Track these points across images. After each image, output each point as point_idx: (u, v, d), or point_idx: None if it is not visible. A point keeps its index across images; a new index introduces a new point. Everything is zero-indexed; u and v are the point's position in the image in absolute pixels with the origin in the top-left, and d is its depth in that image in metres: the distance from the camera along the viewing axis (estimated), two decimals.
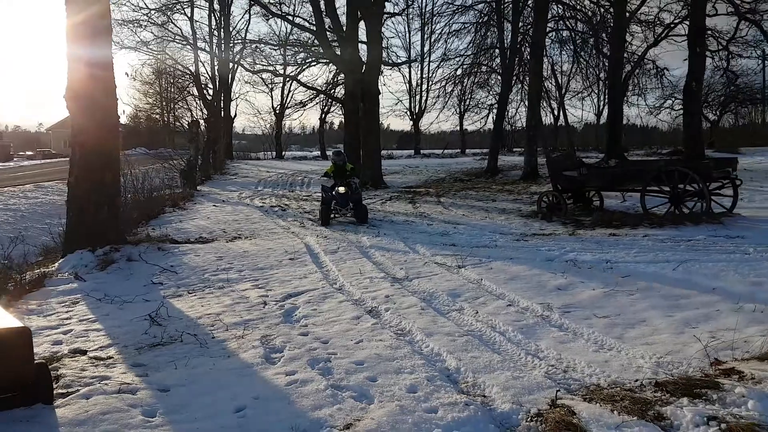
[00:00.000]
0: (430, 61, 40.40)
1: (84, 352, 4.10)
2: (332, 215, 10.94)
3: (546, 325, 4.45)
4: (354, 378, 3.49)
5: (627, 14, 21.09)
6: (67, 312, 5.29)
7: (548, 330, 4.34)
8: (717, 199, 9.44)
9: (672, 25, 23.08)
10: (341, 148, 16.27)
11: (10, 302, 5.46)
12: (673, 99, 30.47)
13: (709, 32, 21.35)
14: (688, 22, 19.12)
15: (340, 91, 32.41)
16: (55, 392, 3.19)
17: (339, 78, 31.50)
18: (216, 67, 31.09)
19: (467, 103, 36.51)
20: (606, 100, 26.89)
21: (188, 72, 33.34)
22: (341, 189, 10.88)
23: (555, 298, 5.14)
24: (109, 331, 4.64)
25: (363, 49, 19.66)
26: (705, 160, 11.84)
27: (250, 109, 66.74)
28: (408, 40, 57.27)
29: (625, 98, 25.72)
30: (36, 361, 3.08)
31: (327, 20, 20.62)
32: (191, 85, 35.44)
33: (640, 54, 24.80)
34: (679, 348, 3.83)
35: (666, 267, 6.08)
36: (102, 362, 3.89)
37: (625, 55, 22.55)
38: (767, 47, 22.11)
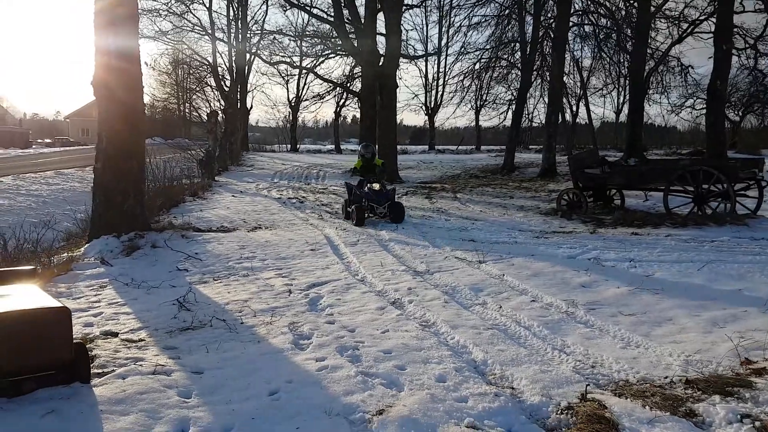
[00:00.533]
0: (447, 55, 40.30)
1: (116, 335, 4.18)
2: (366, 215, 9.88)
3: (571, 321, 4.45)
4: (383, 366, 3.53)
5: (652, 9, 20.82)
6: (95, 295, 5.38)
7: (574, 326, 4.34)
8: (741, 201, 9.34)
9: (698, 22, 22.71)
10: (366, 142, 15.23)
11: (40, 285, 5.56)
12: (696, 98, 30.08)
13: (737, 29, 21.01)
14: (714, 19, 18.83)
15: (356, 85, 32.47)
16: (91, 372, 3.26)
17: (356, 71, 31.56)
18: (233, 58, 31.23)
19: (484, 98, 36.32)
20: (627, 97, 26.64)
21: (206, 62, 33.52)
22: (375, 186, 10.05)
23: (579, 295, 5.13)
24: (138, 315, 4.72)
25: (381, 41, 19.67)
26: (731, 160, 11.69)
27: (266, 100, 67.11)
28: (425, 33, 57.21)
29: (647, 96, 25.44)
30: (74, 341, 3.15)
31: (345, 11, 20.63)
32: (208, 75, 35.65)
33: (663, 50, 24.49)
34: (708, 347, 3.81)
35: (690, 267, 6.04)
36: (134, 344, 3.96)
37: (649, 51, 22.28)
38: None
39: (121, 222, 7.60)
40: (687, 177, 9.37)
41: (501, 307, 4.87)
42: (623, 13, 23.28)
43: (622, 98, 35.54)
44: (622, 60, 26.85)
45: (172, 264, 6.69)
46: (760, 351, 3.67)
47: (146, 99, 44.29)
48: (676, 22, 23.42)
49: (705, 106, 20.32)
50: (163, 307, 4.93)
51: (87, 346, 3.77)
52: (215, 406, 2.96)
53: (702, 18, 22.45)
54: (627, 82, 27.23)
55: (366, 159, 10.69)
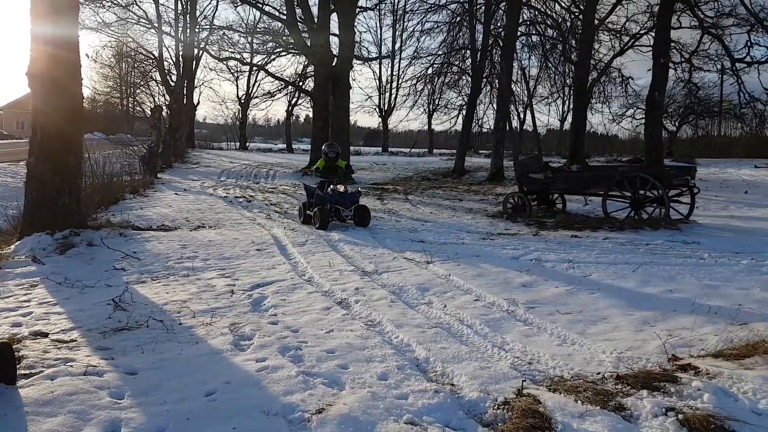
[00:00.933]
0: (401, 59, 40.66)
1: (46, 335, 3.98)
2: (330, 218, 9.34)
3: (512, 320, 4.56)
4: (325, 365, 3.51)
5: (596, 22, 21.65)
6: (25, 294, 5.11)
7: (514, 324, 4.45)
8: (675, 206, 9.83)
9: (638, 36, 23.79)
10: (331, 141, 13.39)
11: None
12: (636, 108, 31.44)
13: (674, 44, 22.11)
14: (653, 34, 19.75)
15: (309, 84, 32.22)
16: (17, 373, 3.09)
17: (308, 70, 31.30)
18: (180, 53, 30.35)
19: (437, 102, 36.80)
20: (571, 106, 27.58)
21: (151, 56, 32.44)
22: (340, 187, 9.53)
23: (520, 294, 5.27)
24: (71, 315, 4.51)
25: (334, 41, 19.61)
26: (666, 168, 12.30)
27: (214, 96, 65.59)
28: (379, 36, 57.47)
29: (590, 105, 26.42)
30: None
31: (298, 10, 20.44)
32: (154, 69, 34.50)
33: (606, 62, 25.50)
34: (638, 344, 3.98)
35: (626, 268, 6.30)
36: (65, 345, 3.79)
37: (592, 62, 23.15)
38: (727, 62, 22.94)
39: (56, 219, 7.26)
40: (625, 183, 9.80)
41: (446, 306, 4.93)
42: (569, 24, 24.16)
43: (566, 107, 36.76)
44: (566, 70, 27.82)
45: (108, 263, 6.43)
46: (686, 348, 3.87)
47: (87, 92, 42.10)
48: (618, 35, 24.47)
49: (644, 116, 21.25)
50: (97, 307, 4.73)
51: (14, 346, 3.58)
52: (149, 407, 2.87)
53: (642, 32, 23.54)
54: (571, 91, 28.20)
55: (329, 159, 10.11)
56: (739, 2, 20.04)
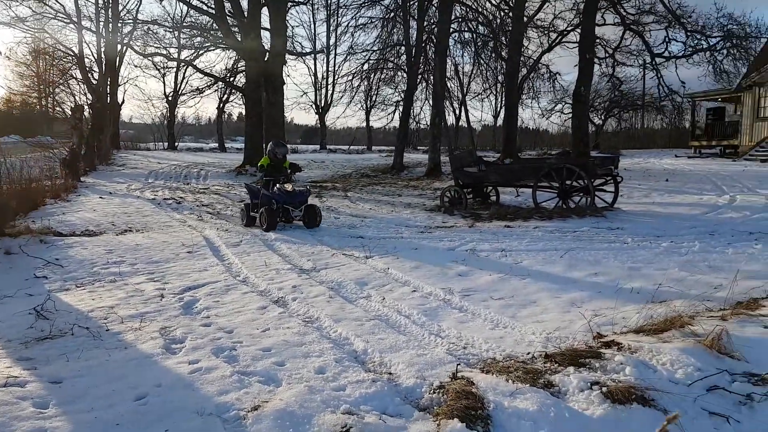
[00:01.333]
0: (336, 54, 40.36)
1: None
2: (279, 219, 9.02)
3: (447, 308, 4.67)
4: (261, 364, 3.46)
5: (524, 19, 22.36)
6: None
7: (449, 312, 4.56)
8: (600, 195, 10.33)
9: (565, 32, 24.79)
10: (278, 140, 11.63)
11: None
12: (564, 103, 32.77)
13: (598, 40, 23.20)
14: (579, 30, 20.64)
15: (240, 80, 31.49)
16: None
17: (239, 65, 30.57)
18: (102, 49, 28.94)
19: (374, 99, 36.86)
20: (503, 102, 28.37)
21: (71, 53, 30.77)
22: (288, 186, 9.11)
23: (456, 284, 5.39)
24: None
25: (266, 36, 19.26)
26: (591, 158, 12.89)
27: (140, 95, 62.78)
28: (313, 31, 57.00)
29: (520, 100, 27.29)
30: None
31: (227, 4, 19.92)
32: (74, 67, 32.71)
33: (535, 58, 26.39)
34: (566, 324, 4.17)
35: (554, 254, 6.57)
36: None
37: (522, 58, 23.90)
38: (648, 57, 24.28)
39: None
40: (552, 174, 10.21)
41: (384, 298, 4.98)
42: (499, 21, 24.81)
43: (498, 103, 37.81)
44: (498, 66, 28.56)
45: (28, 271, 6.07)
46: (610, 326, 4.09)
47: (2, 93, 39.86)
48: (546, 32, 25.42)
49: (571, 110, 22.18)
50: (17, 317, 4.46)
51: None
52: (75, 414, 2.74)
53: (569, 29, 24.58)
54: (503, 87, 29.01)
55: (277, 159, 9.52)
56: (658, 0, 21.28)
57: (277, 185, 9.17)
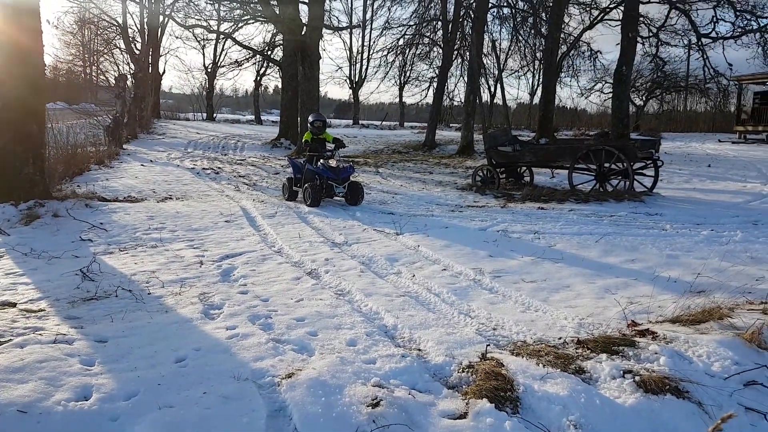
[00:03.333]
0: (372, 29, 39.95)
1: (13, 305, 3.94)
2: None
3: (478, 288, 4.68)
4: (295, 333, 3.56)
5: None
6: None
7: (480, 292, 4.57)
8: (639, 179, 10.09)
9: (608, 10, 23.96)
10: (317, 112, 11.62)
11: None
12: (604, 82, 31.86)
13: (642, 19, 22.36)
14: (622, 8, 19.92)
15: (278, 53, 31.59)
16: None
17: (277, 39, 30.64)
18: (145, 20, 29.32)
19: (408, 74, 36.55)
20: (541, 80, 27.73)
21: (115, 23, 31.25)
22: (332, 162, 8.92)
23: (486, 264, 5.39)
24: (38, 285, 4.46)
25: (303, 10, 19.18)
26: (631, 141, 12.57)
27: (180, 65, 63.60)
28: (350, 5, 56.23)
29: (559, 79, 26.63)
30: None
31: None
32: (118, 37, 33.28)
33: (576, 36, 25.65)
34: (599, 311, 4.14)
35: (590, 239, 6.48)
36: (34, 314, 3.75)
37: (562, 36, 23.27)
38: (693, 37, 23.32)
39: (19, 189, 7.13)
40: (590, 156, 10.00)
41: (414, 275, 5.02)
42: None
43: (536, 81, 36.96)
44: (537, 44, 27.89)
45: (75, 234, 6.32)
46: (645, 314, 4.03)
47: (48, 60, 40.73)
48: (588, 9, 24.62)
49: (611, 90, 21.55)
50: (65, 278, 4.68)
51: None
52: (120, 373, 2.89)
53: (612, 6, 23.72)
54: (541, 65, 28.34)
55: (316, 129, 9.33)
56: None
57: (321, 160, 9.00)
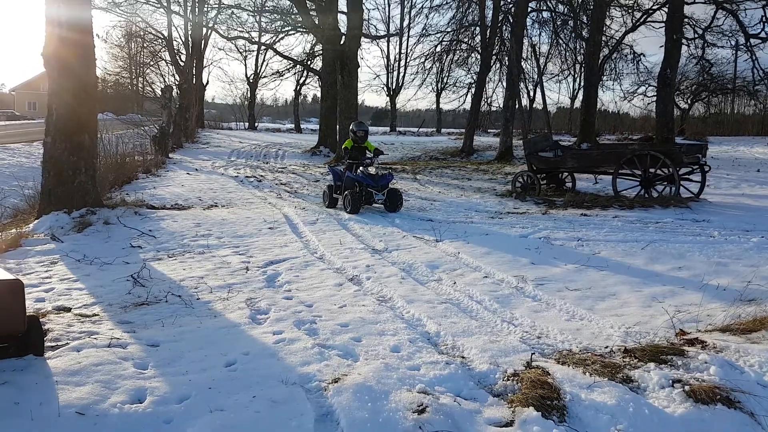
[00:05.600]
0: (409, 36, 40.17)
1: (68, 309, 4.12)
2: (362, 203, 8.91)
3: (520, 296, 4.64)
4: (339, 338, 3.62)
5: None
6: (46, 271, 5.26)
7: (523, 300, 4.53)
8: (685, 184, 9.80)
9: (651, 11, 23.38)
10: (359, 120, 12.22)
11: None
12: (647, 85, 31.03)
13: (687, 20, 21.72)
14: (666, 9, 19.42)
15: (317, 63, 32.05)
16: (45, 345, 3.23)
17: (316, 49, 31.11)
18: (189, 32, 30.24)
19: (445, 81, 36.51)
20: (582, 84, 27.27)
21: (160, 36, 32.32)
22: (371, 170, 8.98)
23: (529, 272, 5.33)
24: (91, 290, 4.66)
25: (342, 19, 19.45)
26: (677, 145, 12.22)
27: (223, 76, 65.40)
28: (388, 14, 56.83)
29: (601, 82, 26.12)
30: (27, 314, 3.11)
31: None
32: (163, 49, 34.45)
33: (618, 38, 25.12)
34: (646, 320, 4.05)
35: (635, 246, 6.34)
36: (88, 319, 3.93)
37: (603, 38, 22.84)
38: (741, 38, 22.51)
39: (72, 198, 7.43)
40: (635, 161, 9.77)
41: (455, 282, 5.02)
42: (580, 0, 23.75)
43: (576, 84, 36.34)
44: (577, 47, 27.45)
45: (125, 241, 6.57)
46: (694, 323, 3.93)
47: (98, 72, 42.50)
48: (630, 11, 24.07)
49: (655, 93, 20.99)
50: (116, 283, 4.87)
51: (40, 320, 3.72)
52: (172, 377, 2.99)
53: (655, 7, 23.13)
54: (582, 68, 27.87)
55: (357, 138, 9.42)
56: None
57: (360, 168, 9.09)
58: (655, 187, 9.81)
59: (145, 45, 38.61)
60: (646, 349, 3.40)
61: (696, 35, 24.01)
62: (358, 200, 8.77)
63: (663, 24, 19.45)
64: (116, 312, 4.14)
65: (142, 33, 35.24)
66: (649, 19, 23.78)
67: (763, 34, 21.52)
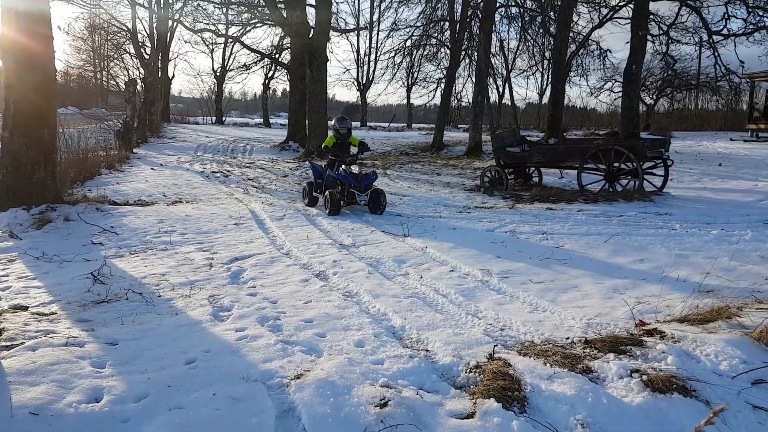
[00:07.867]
0: (379, 31, 40.16)
1: (25, 308, 4.00)
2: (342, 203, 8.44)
3: (485, 289, 4.69)
4: (303, 334, 3.59)
5: None
6: (3, 269, 5.08)
7: (487, 293, 4.58)
8: (649, 179, 10.03)
9: (617, 8, 23.79)
10: (342, 116, 10.31)
11: None
12: (614, 81, 31.64)
13: (652, 16, 22.19)
14: (632, 6, 19.80)
15: (285, 56, 31.72)
16: None
17: (285, 42, 30.77)
18: (154, 25, 29.57)
19: (415, 76, 36.55)
20: (549, 80, 27.62)
21: (125, 28, 31.54)
22: (354, 168, 8.54)
23: (494, 265, 5.39)
24: (50, 289, 4.52)
25: (311, 12, 19.28)
26: (640, 140, 12.49)
27: (189, 70, 64.15)
28: (357, 7, 56.42)
29: (568, 78, 26.53)
30: None
31: None
32: (127, 42, 33.60)
33: (585, 35, 25.53)
34: (607, 311, 4.13)
35: (598, 239, 6.46)
36: (45, 317, 3.81)
37: (571, 35, 23.16)
38: (705, 34, 23.13)
39: (31, 194, 7.21)
40: (599, 156, 9.95)
41: (422, 277, 5.03)
42: None
43: (544, 80, 36.81)
44: (545, 43, 27.78)
45: (86, 238, 6.40)
46: (653, 314, 4.02)
47: (60, 65, 41.12)
48: (597, 7, 24.48)
49: (621, 89, 21.41)
50: (76, 281, 4.74)
51: None
52: (130, 375, 2.93)
53: (621, 4, 23.55)
54: (550, 64, 28.24)
55: (341, 135, 8.95)
56: None
57: (343, 166, 8.61)
58: (619, 181, 10.02)
59: (108, 38, 37.52)
60: (606, 339, 3.46)
61: (661, 32, 24.59)
62: (338, 202, 8.28)
63: (629, 20, 19.84)
64: (75, 310, 4.03)
65: (105, 25, 34.26)
66: (615, 15, 24.22)
67: (725, 31, 22.19)
